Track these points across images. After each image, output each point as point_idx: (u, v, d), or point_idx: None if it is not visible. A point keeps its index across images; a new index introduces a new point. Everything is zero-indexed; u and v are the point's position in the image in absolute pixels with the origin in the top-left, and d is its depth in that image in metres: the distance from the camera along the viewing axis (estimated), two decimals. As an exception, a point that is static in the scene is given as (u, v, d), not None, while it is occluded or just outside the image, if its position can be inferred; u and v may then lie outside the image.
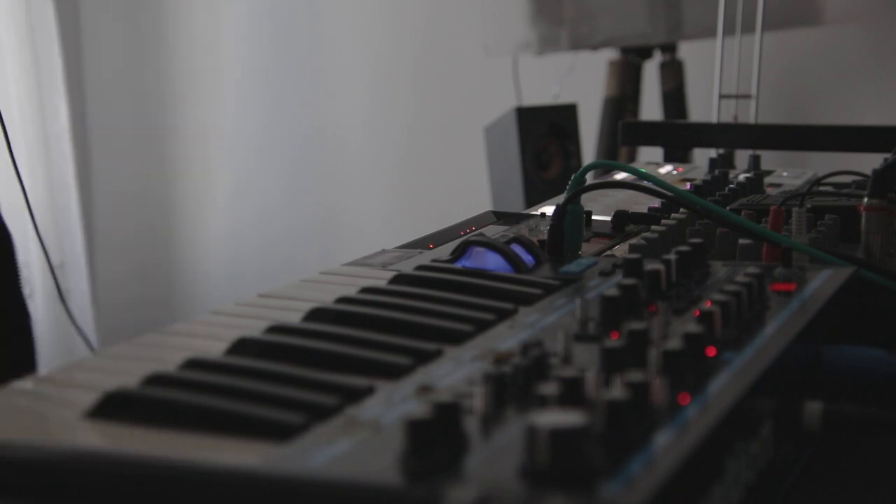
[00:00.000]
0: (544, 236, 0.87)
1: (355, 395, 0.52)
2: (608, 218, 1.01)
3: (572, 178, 0.88)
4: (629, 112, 2.77)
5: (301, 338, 0.60)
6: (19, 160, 1.93)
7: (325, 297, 0.68)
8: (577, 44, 2.79)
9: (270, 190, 3.73)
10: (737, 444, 0.52)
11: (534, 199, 2.52)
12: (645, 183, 0.92)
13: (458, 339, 0.62)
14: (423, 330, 0.62)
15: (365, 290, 0.71)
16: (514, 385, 0.52)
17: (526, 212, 1.06)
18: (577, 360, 0.57)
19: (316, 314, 0.65)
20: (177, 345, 0.61)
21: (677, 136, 1.51)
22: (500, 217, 1.03)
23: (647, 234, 0.88)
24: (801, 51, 2.88)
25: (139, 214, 3.61)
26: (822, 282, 0.73)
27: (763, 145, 1.39)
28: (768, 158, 1.41)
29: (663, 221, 0.92)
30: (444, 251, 0.84)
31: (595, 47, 2.79)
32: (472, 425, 0.48)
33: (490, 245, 0.81)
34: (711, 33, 2.18)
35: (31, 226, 2.05)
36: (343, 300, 0.68)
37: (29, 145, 3.03)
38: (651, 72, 2.84)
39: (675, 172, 1.37)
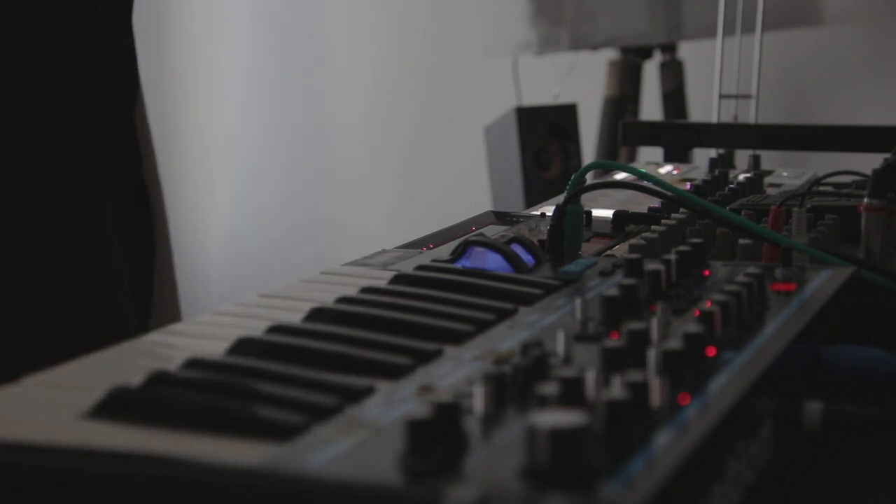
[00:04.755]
0: (544, 236, 0.87)
1: (355, 395, 0.52)
2: (608, 218, 1.01)
3: (572, 178, 0.88)
4: (629, 112, 2.77)
5: (301, 338, 0.60)
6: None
7: (326, 297, 0.68)
8: (577, 44, 2.79)
9: (271, 190, 3.73)
10: (737, 444, 0.52)
11: (534, 199, 2.52)
12: (645, 183, 0.93)
13: (458, 339, 0.62)
14: (423, 330, 0.62)
15: (365, 290, 0.71)
16: (514, 385, 0.52)
17: (526, 212, 1.06)
18: (577, 360, 0.57)
19: (316, 314, 0.65)
20: (177, 345, 0.61)
21: (677, 136, 1.51)
22: (500, 217, 1.03)
23: (647, 234, 0.88)
24: (801, 51, 2.89)
25: (139, 214, 3.61)
26: (822, 282, 0.73)
27: (763, 145, 1.39)
28: (768, 158, 1.41)
29: (663, 221, 0.92)
30: (444, 251, 0.84)
31: (595, 47, 2.79)
32: (472, 425, 0.48)
33: (490, 245, 0.81)
34: (711, 33, 2.17)
35: None
36: (343, 300, 0.68)
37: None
38: (651, 72, 2.84)
39: (674, 172, 1.37)
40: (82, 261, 1.11)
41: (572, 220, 0.86)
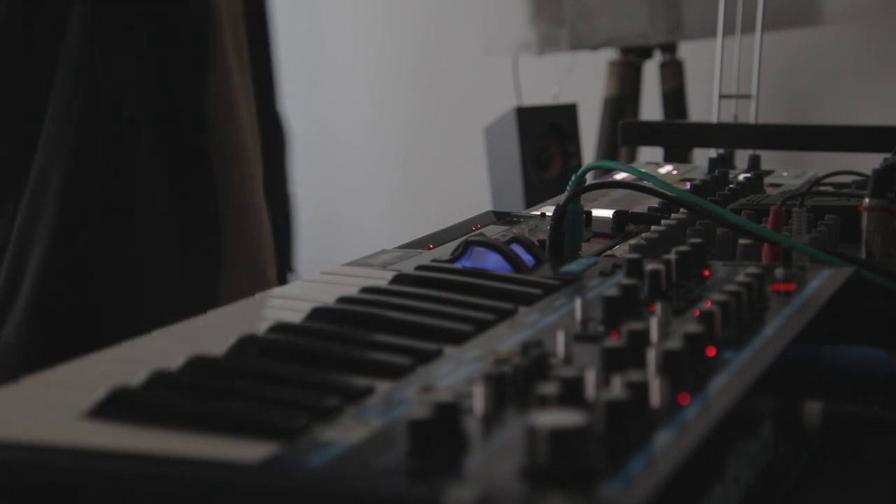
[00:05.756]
0: (544, 236, 0.87)
1: (355, 395, 0.52)
2: (608, 218, 1.01)
3: (572, 178, 0.88)
4: (629, 112, 2.77)
5: (302, 337, 0.60)
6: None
7: (326, 296, 0.68)
8: (577, 44, 2.79)
9: (271, 190, 3.72)
10: (737, 444, 0.52)
11: (534, 199, 2.52)
12: (645, 183, 0.93)
13: (458, 339, 0.62)
14: (423, 330, 0.62)
15: (365, 289, 0.71)
16: (514, 385, 0.52)
17: (526, 212, 1.06)
18: (577, 360, 0.57)
19: (317, 314, 0.65)
20: (178, 344, 0.61)
21: (677, 136, 1.51)
22: (500, 217, 1.03)
23: (647, 234, 0.88)
24: (801, 51, 2.89)
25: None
26: (822, 282, 0.73)
27: (763, 145, 1.39)
28: (768, 158, 1.41)
29: (663, 221, 0.92)
30: (444, 251, 0.84)
31: (595, 47, 2.79)
32: (472, 425, 0.48)
33: (490, 245, 0.81)
34: (711, 33, 2.18)
35: None
36: (343, 300, 0.68)
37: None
38: (651, 72, 2.84)
39: (674, 172, 1.37)
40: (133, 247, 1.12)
41: (572, 220, 0.86)
